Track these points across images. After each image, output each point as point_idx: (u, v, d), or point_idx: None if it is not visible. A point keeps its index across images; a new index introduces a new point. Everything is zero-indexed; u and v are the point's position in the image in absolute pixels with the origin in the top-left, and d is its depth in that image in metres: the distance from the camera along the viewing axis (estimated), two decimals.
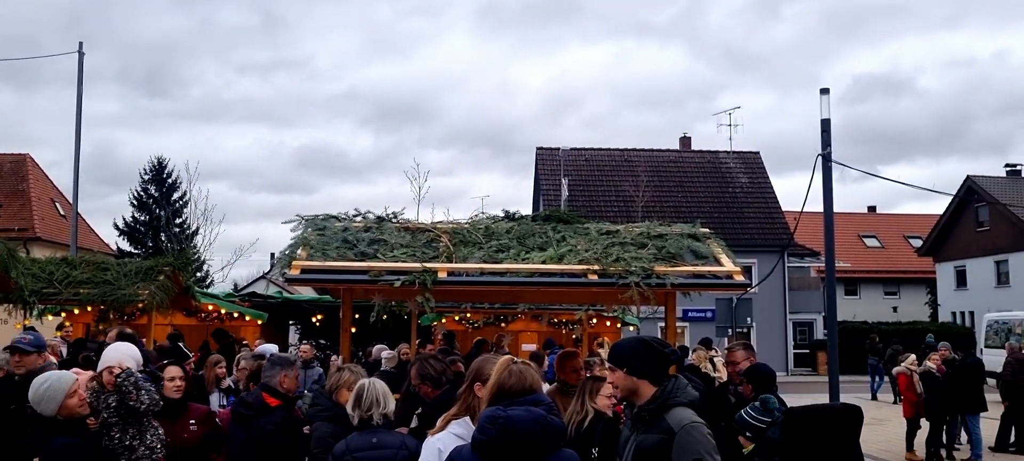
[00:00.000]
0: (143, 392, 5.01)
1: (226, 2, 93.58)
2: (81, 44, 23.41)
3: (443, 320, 17.29)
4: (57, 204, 41.16)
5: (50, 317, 14.39)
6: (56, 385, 4.56)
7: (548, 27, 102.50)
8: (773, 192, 42.29)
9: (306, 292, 20.67)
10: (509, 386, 3.56)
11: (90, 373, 5.57)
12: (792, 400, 6.47)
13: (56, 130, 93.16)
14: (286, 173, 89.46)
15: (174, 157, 61.22)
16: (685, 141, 46.70)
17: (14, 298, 9.30)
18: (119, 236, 42.13)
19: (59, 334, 13.72)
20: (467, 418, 4.01)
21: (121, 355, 5.49)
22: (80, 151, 22.93)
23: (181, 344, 11.27)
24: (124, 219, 42.52)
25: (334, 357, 12.84)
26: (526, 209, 8.16)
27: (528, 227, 7.92)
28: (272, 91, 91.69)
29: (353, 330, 9.13)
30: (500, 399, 3.48)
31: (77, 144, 22.92)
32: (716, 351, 16.88)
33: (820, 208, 13.03)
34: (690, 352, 15.22)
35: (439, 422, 4.11)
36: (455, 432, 3.97)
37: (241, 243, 76.88)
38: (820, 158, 12.58)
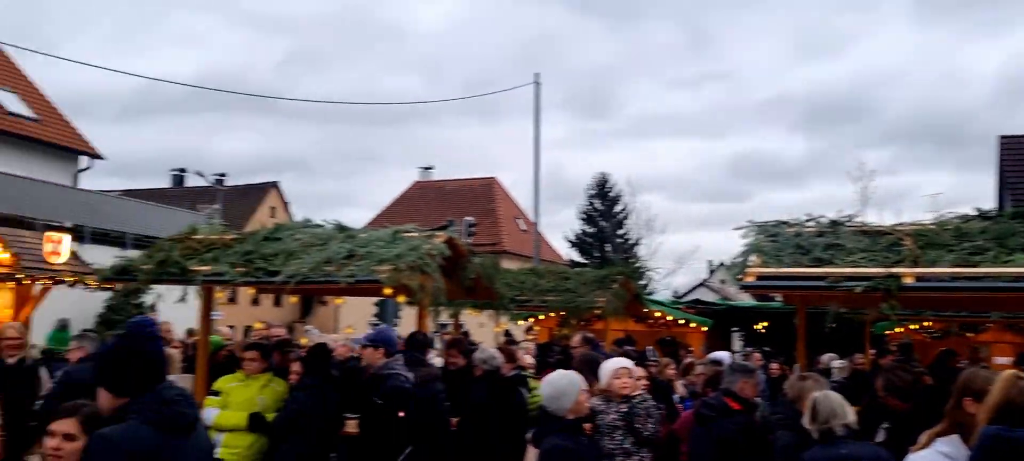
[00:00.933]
0: (650, 420, 5.40)
1: (656, 24, 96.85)
2: (537, 75, 25.96)
3: (898, 328, 16.07)
4: (519, 221, 46.01)
5: (520, 322, 16.14)
6: (574, 382, 4.81)
7: (999, 6, 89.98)
8: None
9: (747, 299, 20.57)
10: (1020, 404, 3.21)
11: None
12: None
13: (515, 155, 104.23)
14: (718, 182, 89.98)
15: (615, 173, 65.03)
16: None
17: (496, 305, 10.60)
18: (570, 248, 45.68)
19: (529, 337, 15.30)
20: (956, 436, 3.70)
21: (624, 363, 5.95)
22: (539, 173, 25.43)
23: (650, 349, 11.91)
24: (574, 232, 46.02)
25: (772, 364, 12.63)
26: (985, 206, 7.28)
27: (1008, 226, 7.05)
28: (702, 103, 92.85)
29: None
30: (1005, 418, 3.16)
31: (536, 167, 25.45)
32: None
33: None
34: None
35: (923, 438, 3.85)
36: (942, 450, 3.69)
37: (678, 251, 79.34)
38: None
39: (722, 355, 9.33)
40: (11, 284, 14.60)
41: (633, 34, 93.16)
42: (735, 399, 6.10)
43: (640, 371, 6.79)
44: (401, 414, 6.57)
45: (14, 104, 24.41)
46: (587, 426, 5.26)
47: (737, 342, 23.16)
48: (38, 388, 7.46)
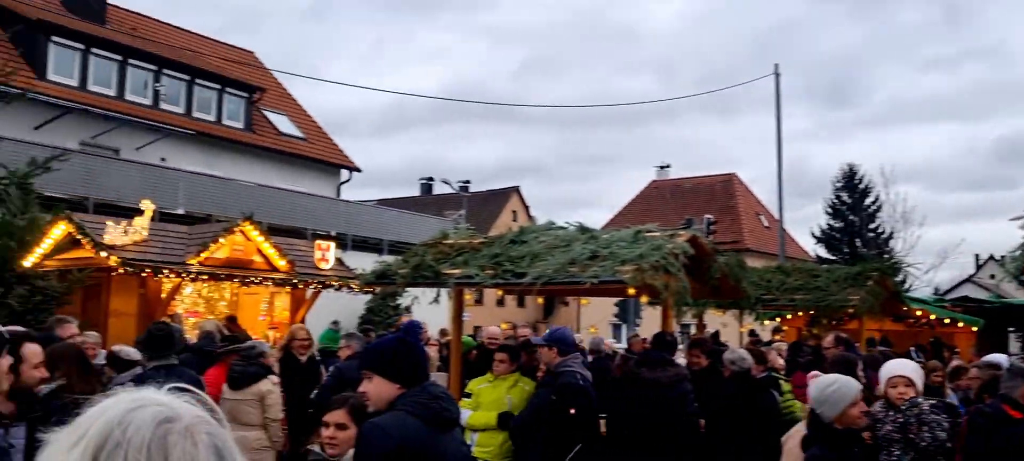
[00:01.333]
0: (925, 428, 4.93)
1: (903, 3, 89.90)
2: (776, 66, 24.98)
3: None
4: (761, 217, 44.49)
5: (766, 322, 15.61)
6: (843, 390, 4.28)
7: None
8: None
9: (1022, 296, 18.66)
10: None
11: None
12: None
13: (754, 150, 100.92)
14: (984, 169, 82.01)
15: (864, 163, 61.02)
16: None
17: (743, 304, 10.33)
18: (816, 244, 43.45)
19: (777, 337, 14.75)
20: None
21: (899, 368, 5.53)
22: (782, 166, 24.44)
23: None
24: (820, 227, 43.69)
25: None
26: None
27: None
28: (960, 85, 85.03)
29: None
30: None
31: (779, 161, 24.49)
32: None
33: None
34: None
35: None
36: None
37: (938, 245, 72.66)
38: None
39: (1000, 358, 8.48)
40: (288, 288, 16.17)
41: (878, 15, 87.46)
42: (1015, 407, 5.52)
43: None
44: (572, 411, 6.59)
45: (286, 125, 27.00)
46: (866, 435, 4.78)
47: (1014, 344, 21.11)
48: (318, 382, 8.22)
